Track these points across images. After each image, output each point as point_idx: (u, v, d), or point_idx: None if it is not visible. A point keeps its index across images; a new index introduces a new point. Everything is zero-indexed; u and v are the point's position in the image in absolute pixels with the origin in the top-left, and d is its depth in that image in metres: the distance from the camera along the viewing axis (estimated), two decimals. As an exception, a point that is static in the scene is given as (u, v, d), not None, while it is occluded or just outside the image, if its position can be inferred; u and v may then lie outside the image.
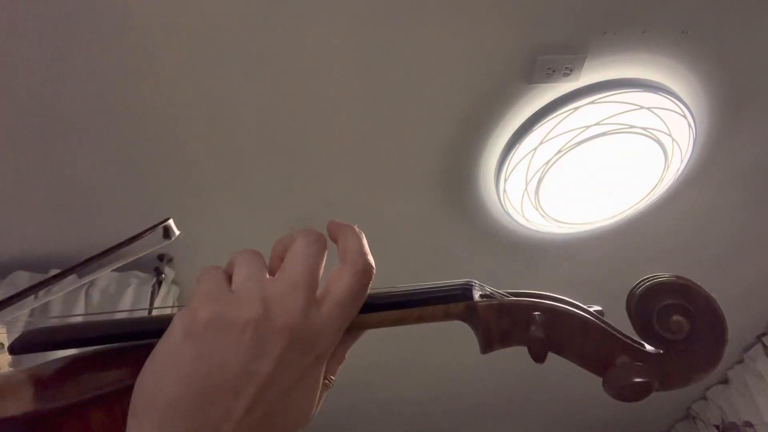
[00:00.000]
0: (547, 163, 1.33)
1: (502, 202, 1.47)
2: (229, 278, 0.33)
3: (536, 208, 1.45)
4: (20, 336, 0.37)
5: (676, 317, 0.33)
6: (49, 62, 1.09)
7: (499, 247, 1.67)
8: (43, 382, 0.35)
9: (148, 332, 0.36)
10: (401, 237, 1.57)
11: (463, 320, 0.37)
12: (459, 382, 2.29)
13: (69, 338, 0.37)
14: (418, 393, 2.32)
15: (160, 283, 1.50)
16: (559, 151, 1.31)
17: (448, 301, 0.36)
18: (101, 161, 1.30)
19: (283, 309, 0.30)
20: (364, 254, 0.34)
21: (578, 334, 0.34)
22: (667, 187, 1.48)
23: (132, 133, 1.25)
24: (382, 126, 1.32)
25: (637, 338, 0.35)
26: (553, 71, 1.22)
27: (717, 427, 2.33)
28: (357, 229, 0.35)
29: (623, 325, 0.35)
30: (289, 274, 0.32)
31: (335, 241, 0.35)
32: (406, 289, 0.37)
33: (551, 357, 0.34)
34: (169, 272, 1.54)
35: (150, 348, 0.33)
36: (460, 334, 2.06)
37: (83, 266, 0.43)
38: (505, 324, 0.35)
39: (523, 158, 1.35)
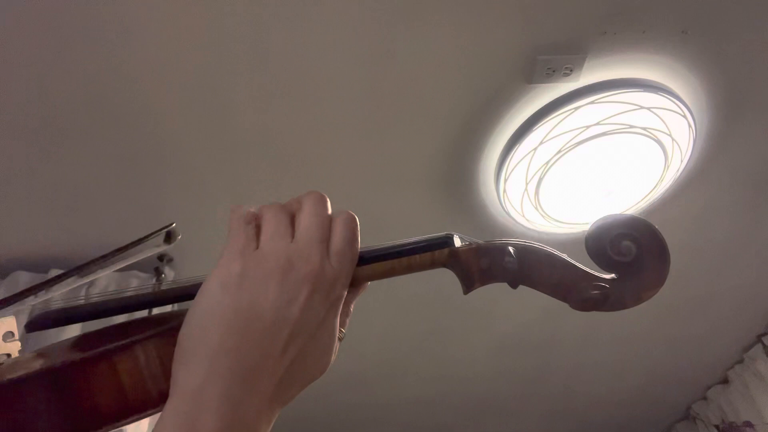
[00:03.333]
0: (547, 163, 1.33)
1: (502, 202, 1.47)
2: (258, 231, 0.37)
3: (536, 208, 1.45)
4: (34, 317, 0.40)
5: (625, 242, 0.39)
6: (48, 63, 1.09)
7: (499, 247, 1.67)
8: (63, 350, 0.38)
9: (148, 303, 0.41)
10: (401, 237, 1.57)
11: (447, 266, 0.41)
12: (459, 382, 2.29)
13: (78, 313, 0.41)
14: (418, 394, 2.32)
15: (160, 283, 1.50)
16: (559, 151, 1.31)
17: (434, 249, 0.41)
18: (101, 162, 1.30)
19: (304, 261, 0.35)
20: (346, 210, 0.39)
21: (546, 266, 0.40)
22: (667, 187, 1.48)
23: (132, 134, 1.25)
24: (382, 126, 1.32)
25: (597, 271, 0.41)
26: (553, 71, 1.22)
27: (717, 427, 2.33)
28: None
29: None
30: (305, 233, 0.37)
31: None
32: (394, 243, 0.42)
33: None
34: (169, 272, 1.54)
35: (151, 319, 0.37)
36: (459, 335, 2.05)
37: (84, 267, 0.45)
38: (484, 263, 0.40)
39: (523, 158, 1.34)
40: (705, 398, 2.45)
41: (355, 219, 0.39)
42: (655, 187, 1.45)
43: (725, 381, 2.35)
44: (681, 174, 1.46)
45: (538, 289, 0.40)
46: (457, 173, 1.44)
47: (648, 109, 1.27)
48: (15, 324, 0.44)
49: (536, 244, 0.41)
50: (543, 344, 2.08)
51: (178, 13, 1.05)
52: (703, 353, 2.20)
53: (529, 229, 1.56)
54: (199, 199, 1.41)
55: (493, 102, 1.28)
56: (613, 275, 0.40)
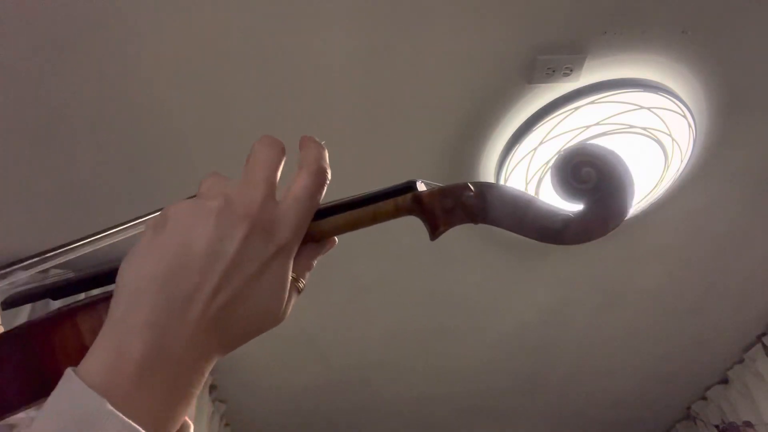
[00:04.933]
0: (547, 163, 1.34)
1: (502, 202, 1.47)
2: None
3: (536, 208, 1.45)
4: (10, 295, 0.41)
5: (585, 169, 0.39)
6: (49, 62, 1.09)
7: (499, 247, 1.67)
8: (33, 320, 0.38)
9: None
10: (401, 237, 1.58)
11: (412, 212, 0.40)
12: (459, 382, 2.29)
13: (54, 286, 0.41)
14: (419, 393, 2.32)
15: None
16: (560, 152, 1.31)
17: (396, 195, 0.40)
18: (101, 161, 1.30)
19: (243, 200, 0.34)
20: (320, 159, 0.39)
21: (508, 201, 0.40)
22: (667, 187, 1.48)
23: (132, 133, 1.25)
24: (382, 126, 1.32)
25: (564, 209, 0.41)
26: (553, 71, 1.22)
27: (717, 427, 2.33)
28: (320, 142, 0.41)
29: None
30: (248, 174, 0.36)
31: (300, 150, 0.40)
32: (356, 194, 0.41)
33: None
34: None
35: None
36: (459, 335, 2.05)
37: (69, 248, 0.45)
38: (448, 204, 0.40)
39: (523, 158, 1.35)
40: (705, 398, 2.45)
41: (325, 174, 0.38)
42: (655, 187, 1.45)
43: (725, 381, 2.35)
44: (681, 174, 1.46)
45: (500, 226, 0.40)
46: (457, 173, 1.44)
47: (648, 109, 1.27)
48: None
49: (498, 183, 0.41)
50: (543, 344, 2.09)
51: (181, 12, 1.05)
52: (703, 353, 2.20)
53: (529, 229, 1.56)
54: (199, 198, 1.41)
55: (493, 102, 1.28)
56: (578, 208, 0.39)
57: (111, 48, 1.09)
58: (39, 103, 1.17)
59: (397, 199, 0.40)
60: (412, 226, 1.59)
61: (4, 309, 0.41)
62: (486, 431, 2.63)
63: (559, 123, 1.29)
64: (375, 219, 0.40)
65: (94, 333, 0.32)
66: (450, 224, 0.40)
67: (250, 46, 1.12)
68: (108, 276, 0.40)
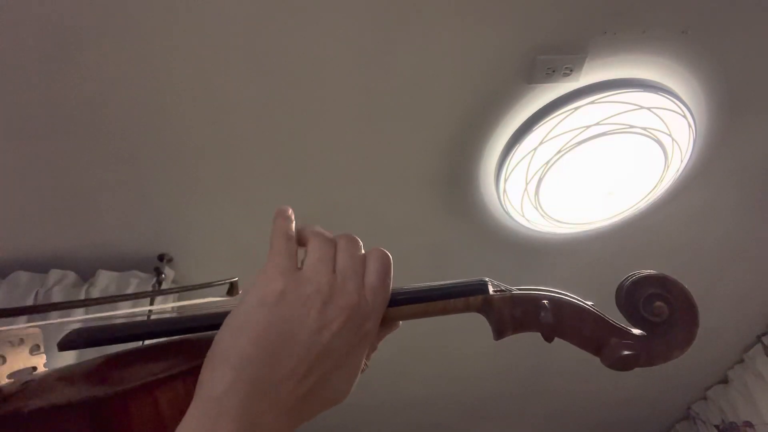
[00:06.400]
0: (547, 163, 1.33)
1: (502, 202, 1.47)
2: (296, 251, 0.39)
3: (536, 208, 1.45)
4: (68, 334, 0.39)
5: (658, 303, 0.40)
6: (50, 63, 1.09)
7: (499, 247, 1.67)
8: (92, 375, 0.37)
9: (183, 329, 0.41)
10: (401, 237, 1.57)
11: (480, 311, 0.42)
12: (459, 382, 2.29)
13: (109, 336, 0.40)
14: (418, 393, 2.32)
15: (160, 282, 1.50)
16: (559, 151, 1.31)
17: (468, 295, 0.42)
18: (101, 161, 1.30)
19: (343, 293, 0.37)
20: (377, 247, 0.41)
21: (578, 320, 0.41)
22: (667, 187, 1.48)
23: (132, 134, 1.25)
24: (383, 126, 1.32)
25: (625, 324, 0.42)
26: (553, 71, 1.22)
27: (717, 427, 2.33)
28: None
29: (615, 315, 0.43)
30: (345, 266, 0.38)
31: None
32: (430, 285, 0.43)
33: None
34: (168, 272, 1.54)
35: (193, 341, 0.37)
36: (459, 335, 2.05)
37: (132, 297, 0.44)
38: (518, 313, 0.41)
39: (523, 158, 1.34)
40: (705, 398, 2.46)
41: (388, 256, 0.40)
42: (655, 187, 1.45)
43: (725, 381, 2.35)
44: (681, 174, 1.46)
45: (568, 341, 0.41)
46: (457, 173, 1.44)
47: (648, 109, 1.27)
48: (41, 337, 0.43)
49: (567, 296, 0.42)
50: (543, 344, 2.08)
51: (180, 15, 1.05)
52: (703, 353, 2.20)
53: (529, 229, 1.56)
54: (198, 198, 1.41)
55: (493, 102, 1.28)
56: (642, 332, 0.40)
57: (111, 51, 1.09)
58: (39, 105, 1.16)
59: (468, 299, 0.42)
60: (412, 228, 1.59)
61: (60, 350, 0.39)
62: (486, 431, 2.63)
63: (559, 123, 1.29)
64: (444, 312, 0.42)
65: (171, 406, 0.34)
66: (517, 332, 0.41)
67: (250, 47, 1.12)
68: (164, 332, 0.41)
